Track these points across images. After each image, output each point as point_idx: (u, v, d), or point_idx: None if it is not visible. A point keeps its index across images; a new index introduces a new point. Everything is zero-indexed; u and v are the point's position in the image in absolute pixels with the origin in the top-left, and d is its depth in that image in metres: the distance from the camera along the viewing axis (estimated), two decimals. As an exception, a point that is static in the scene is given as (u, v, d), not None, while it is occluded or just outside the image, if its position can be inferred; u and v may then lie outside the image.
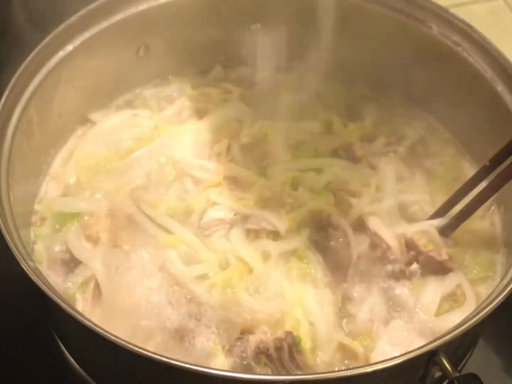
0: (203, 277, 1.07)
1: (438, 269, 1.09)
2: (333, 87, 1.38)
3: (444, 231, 1.14)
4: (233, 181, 1.18)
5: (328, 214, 1.13)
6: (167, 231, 1.12)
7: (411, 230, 1.14)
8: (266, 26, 1.35)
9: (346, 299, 1.06)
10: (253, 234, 1.12)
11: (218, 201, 1.15)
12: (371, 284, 1.08)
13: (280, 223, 1.11)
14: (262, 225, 1.11)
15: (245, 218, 1.13)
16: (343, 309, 1.06)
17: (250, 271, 1.07)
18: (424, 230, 1.14)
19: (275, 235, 1.11)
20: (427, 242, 1.13)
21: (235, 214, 1.13)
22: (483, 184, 1.11)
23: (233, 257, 1.09)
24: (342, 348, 1.01)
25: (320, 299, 1.05)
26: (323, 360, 1.00)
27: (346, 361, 1.01)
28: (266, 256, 1.09)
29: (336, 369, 0.99)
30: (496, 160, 1.08)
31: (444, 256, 1.09)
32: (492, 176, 1.10)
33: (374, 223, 1.13)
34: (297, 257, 1.09)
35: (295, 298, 1.04)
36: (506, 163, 1.06)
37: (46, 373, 1.13)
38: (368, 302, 1.06)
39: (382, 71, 1.35)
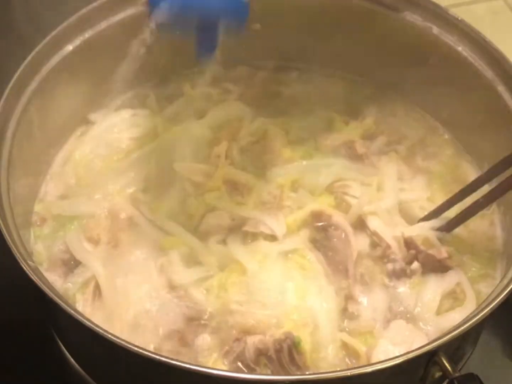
0: (202, 279, 1.07)
1: (438, 267, 1.09)
2: (333, 87, 1.39)
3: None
4: (232, 185, 1.18)
5: (329, 215, 1.13)
6: (167, 233, 1.12)
7: (410, 230, 1.13)
8: (266, 25, 1.35)
9: (348, 298, 1.06)
10: (251, 237, 1.12)
11: (217, 205, 1.15)
12: (372, 283, 1.08)
13: (278, 227, 1.11)
14: (260, 229, 1.11)
15: (243, 221, 1.13)
16: (346, 308, 1.06)
17: (246, 272, 1.07)
18: (423, 231, 1.14)
19: (273, 238, 1.11)
20: (425, 240, 1.13)
21: (233, 220, 1.13)
22: (479, 192, 1.11)
23: (230, 260, 1.08)
24: (345, 347, 1.01)
25: (323, 298, 1.05)
26: (325, 360, 1.00)
27: (348, 360, 1.01)
28: (264, 257, 1.08)
29: (338, 368, 0.99)
30: (494, 171, 1.08)
31: (444, 254, 1.09)
32: (486, 186, 1.11)
33: (373, 223, 1.13)
34: (298, 256, 1.09)
35: (296, 298, 1.04)
36: (505, 174, 1.06)
37: (46, 373, 1.13)
38: (370, 301, 1.06)
39: (382, 70, 1.35)
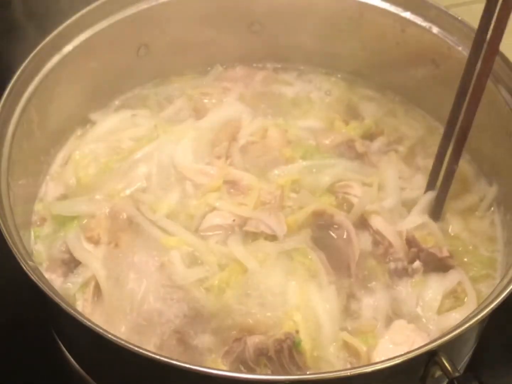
0: (202, 279, 1.07)
1: (439, 266, 1.09)
2: (333, 87, 1.39)
3: (438, 206, 1.15)
4: (233, 185, 1.18)
5: (330, 215, 1.13)
6: (168, 233, 1.12)
7: (410, 224, 1.13)
8: (266, 26, 1.36)
9: (350, 297, 1.06)
10: (251, 237, 1.12)
11: (218, 206, 1.14)
12: (374, 282, 1.08)
13: (279, 227, 1.11)
14: (260, 229, 1.11)
15: (244, 222, 1.13)
16: (347, 307, 1.05)
17: (247, 272, 1.07)
18: (423, 223, 1.14)
19: (274, 238, 1.11)
20: (427, 235, 1.13)
21: (234, 220, 1.13)
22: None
23: (230, 260, 1.08)
24: (346, 347, 1.01)
25: (324, 298, 1.05)
26: (325, 360, 1.00)
27: (348, 360, 1.00)
28: (264, 257, 1.08)
29: (338, 368, 0.99)
30: (452, 120, 1.09)
31: (445, 253, 1.09)
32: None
33: (376, 221, 1.13)
34: (299, 256, 1.09)
35: (298, 297, 1.04)
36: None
37: (46, 373, 1.13)
38: (371, 300, 1.06)
39: (382, 71, 1.35)
